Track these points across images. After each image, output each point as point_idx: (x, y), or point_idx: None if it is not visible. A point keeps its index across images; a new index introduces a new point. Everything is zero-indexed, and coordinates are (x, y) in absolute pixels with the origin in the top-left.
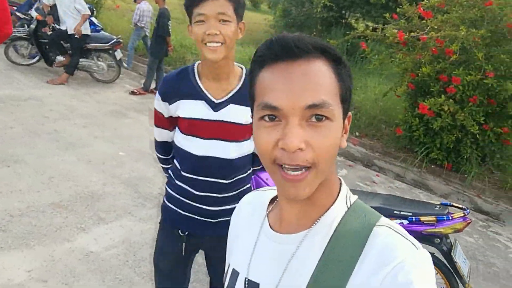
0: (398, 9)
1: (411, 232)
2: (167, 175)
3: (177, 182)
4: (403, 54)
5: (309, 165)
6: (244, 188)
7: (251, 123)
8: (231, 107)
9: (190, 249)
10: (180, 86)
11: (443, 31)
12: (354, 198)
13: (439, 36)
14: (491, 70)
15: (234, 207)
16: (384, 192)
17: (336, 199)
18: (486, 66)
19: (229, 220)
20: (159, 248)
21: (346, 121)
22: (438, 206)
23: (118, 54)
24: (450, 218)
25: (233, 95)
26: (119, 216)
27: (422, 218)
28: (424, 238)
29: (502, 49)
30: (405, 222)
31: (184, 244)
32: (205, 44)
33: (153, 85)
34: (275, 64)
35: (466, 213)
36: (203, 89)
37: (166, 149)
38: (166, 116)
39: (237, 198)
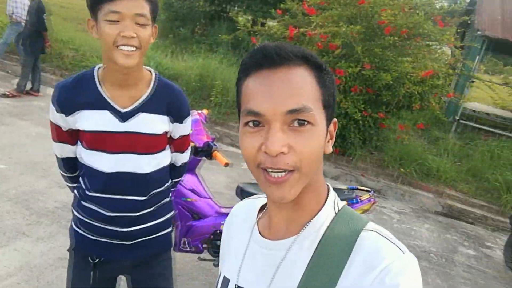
0: (281, 5)
1: None
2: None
3: (84, 203)
4: None
5: (291, 169)
6: (163, 202)
7: (165, 133)
8: (142, 116)
9: (107, 277)
10: (79, 94)
11: (326, 27)
12: (342, 204)
13: (323, 32)
14: (368, 63)
15: (153, 225)
16: None
17: (323, 204)
18: (364, 59)
19: (148, 240)
20: (71, 280)
21: (331, 127)
22: (347, 191)
23: None
24: (359, 200)
25: (143, 102)
26: (11, 239)
27: None
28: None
29: (376, 43)
30: None
31: (97, 272)
32: (118, 47)
33: (28, 86)
34: (258, 72)
35: (371, 194)
36: (107, 98)
37: (71, 166)
38: (65, 129)
39: (155, 215)
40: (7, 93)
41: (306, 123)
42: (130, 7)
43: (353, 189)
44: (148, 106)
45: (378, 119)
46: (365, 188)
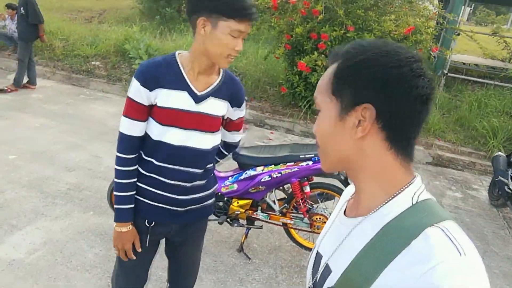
0: None
1: (315, 170)
2: (123, 181)
3: (147, 173)
4: (276, 18)
5: (318, 145)
6: (211, 176)
7: (223, 116)
8: (211, 100)
9: (155, 240)
10: (163, 73)
11: None
12: (425, 196)
13: None
14: (351, 25)
15: (202, 196)
16: None
17: (398, 194)
18: (347, 22)
19: (197, 208)
20: None
21: (359, 112)
22: (306, 149)
23: None
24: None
25: (214, 89)
26: (32, 220)
27: None
28: (326, 173)
29: (358, 5)
30: (310, 162)
31: (150, 235)
32: (228, 56)
33: (25, 79)
34: None
35: None
36: (188, 81)
37: (133, 146)
38: (146, 104)
39: (205, 187)
40: (5, 88)
41: (317, 110)
42: (247, 28)
43: None
44: (216, 92)
45: None
46: None
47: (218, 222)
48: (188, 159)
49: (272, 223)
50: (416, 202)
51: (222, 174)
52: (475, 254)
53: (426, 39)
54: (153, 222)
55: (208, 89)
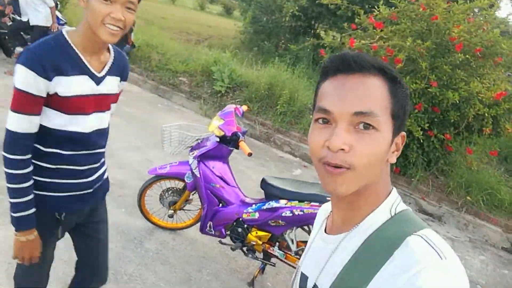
0: (356, 20)
1: None
2: (22, 185)
3: (54, 166)
4: None
5: (347, 166)
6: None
7: (120, 91)
8: (108, 78)
9: (64, 231)
10: (61, 59)
11: (392, 41)
12: (402, 208)
13: (388, 45)
14: (435, 80)
15: (103, 171)
16: None
17: (379, 206)
18: (430, 76)
19: (100, 184)
20: (43, 239)
21: (399, 139)
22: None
23: None
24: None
25: (109, 67)
26: None
27: None
28: None
29: (446, 60)
30: None
31: (63, 226)
32: (105, 25)
33: None
34: (335, 76)
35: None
36: (86, 63)
37: (29, 145)
38: (44, 95)
39: (104, 162)
40: None
41: (370, 127)
42: None
43: None
44: (111, 70)
45: (444, 140)
46: None
47: (231, 248)
48: (96, 141)
49: (287, 264)
50: (395, 213)
51: (247, 200)
52: (455, 258)
53: None
54: (64, 213)
55: (106, 69)
